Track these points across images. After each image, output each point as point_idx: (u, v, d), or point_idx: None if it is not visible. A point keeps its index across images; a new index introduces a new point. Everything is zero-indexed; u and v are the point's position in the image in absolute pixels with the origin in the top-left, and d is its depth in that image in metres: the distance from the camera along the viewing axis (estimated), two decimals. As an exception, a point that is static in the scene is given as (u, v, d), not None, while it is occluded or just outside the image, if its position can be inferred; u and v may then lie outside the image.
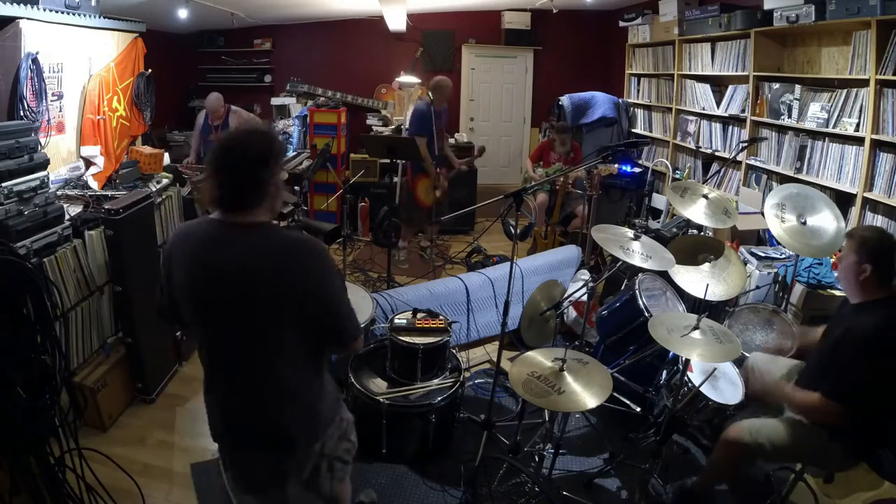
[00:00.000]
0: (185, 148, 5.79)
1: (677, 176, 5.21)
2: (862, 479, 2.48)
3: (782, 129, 4.03)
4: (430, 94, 4.59)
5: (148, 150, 4.25)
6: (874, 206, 3.31)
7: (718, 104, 4.76)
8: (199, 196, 4.18)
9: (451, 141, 6.35)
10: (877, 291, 2.02)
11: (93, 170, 3.90)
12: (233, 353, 1.47)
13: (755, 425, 2.13)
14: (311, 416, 1.54)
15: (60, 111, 3.65)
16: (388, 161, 5.35)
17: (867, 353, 1.90)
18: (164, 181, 3.85)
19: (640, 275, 2.96)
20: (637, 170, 5.50)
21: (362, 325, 2.70)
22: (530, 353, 2.25)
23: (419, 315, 2.81)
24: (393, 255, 5.00)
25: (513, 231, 3.45)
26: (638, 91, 6.20)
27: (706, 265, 2.88)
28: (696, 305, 2.75)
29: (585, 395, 2.02)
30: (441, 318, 2.81)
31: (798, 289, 3.20)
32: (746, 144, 4.14)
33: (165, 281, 1.55)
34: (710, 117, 4.90)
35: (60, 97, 3.64)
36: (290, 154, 6.32)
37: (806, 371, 2.25)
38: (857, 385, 1.91)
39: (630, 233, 2.70)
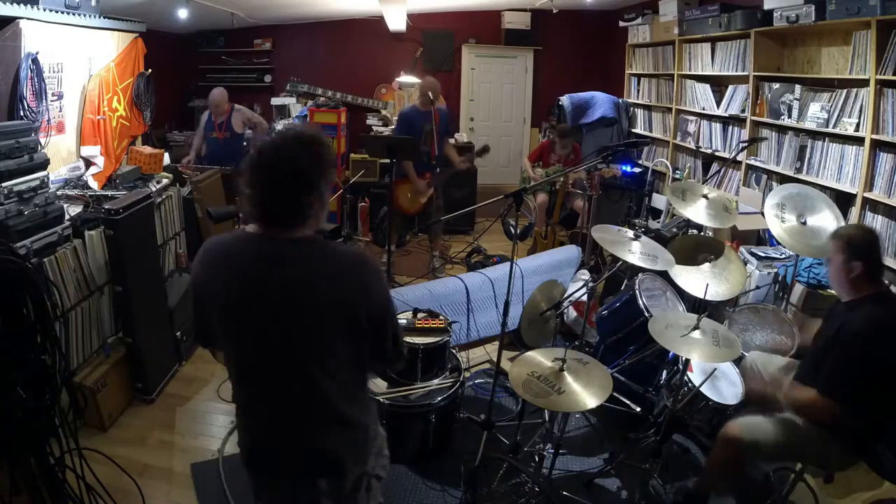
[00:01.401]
0: (185, 148, 5.77)
1: (677, 176, 5.22)
2: (862, 479, 2.48)
3: (782, 129, 4.03)
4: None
5: (148, 150, 4.26)
6: (874, 206, 3.31)
7: (718, 104, 4.76)
8: (200, 196, 4.18)
9: (451, 141, 6.35)
10: (866, 288, 2.04)
11: (93, 170, 3.91)
12: (279, 375, 1.35)
13: (752, 423, 2.14)
14: (361, 436, 1.45)
15: (60, 111, 3.66)
16: (388, 161, 5.35)
17: (859, 348, 1.92)
18: (164, 181, 3.85)
19: (640, 275, 2.97)
20: (637, 170, 5.50)
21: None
22: (530, 353, 2.25)
23: (419, 315, 2.81)
24: (429, 263, 4.91)
25: (513, 231, 3.45)
26: (638, 91, 6.20)
27: (706, 265, 2.88)
28: (696, 305, 2.75)
29: (585, 395, 2.02)
30: (441, 318, 2.81)
31: (798, 289, 3.20)
32: (746, 144, 4.14)
33: (197, 304, 1.41)
34: (710, 117, 4.90)
35: (60, 97, 3.64)
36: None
37: (801, 371, 2.26)
38: (851, 381, 1.91)
39: (630, 233, 2.70)
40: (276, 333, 1.31)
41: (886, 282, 2.16)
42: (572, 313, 3.60)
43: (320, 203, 1.33)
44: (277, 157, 1.28)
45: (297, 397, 1.36)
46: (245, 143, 5.17)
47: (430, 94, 4.27)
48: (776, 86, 4.03)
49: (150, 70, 4.75)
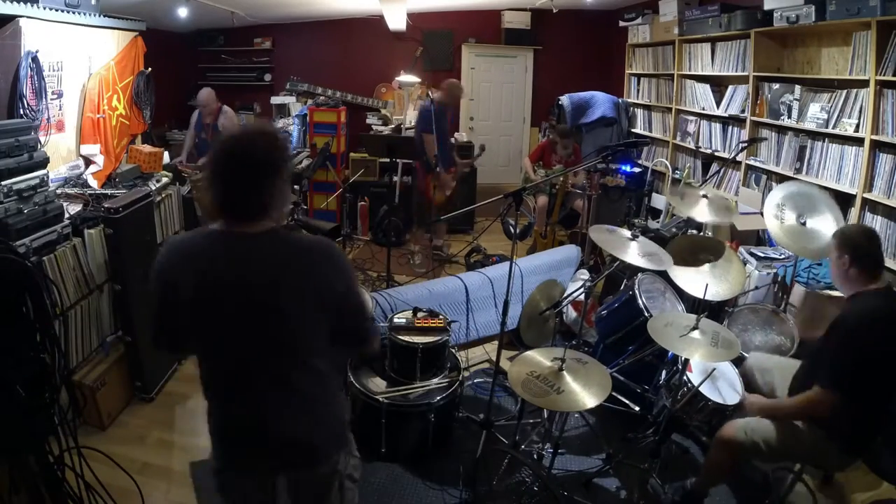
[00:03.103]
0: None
1: (677, 176, 5.22)
2: (860, 480, 2.49)
3: (782, 130, 4.03)
4: (429, 93, 4.73)
5: (147, 148, 4.26)
6: (874, 206, 3.31)
7: (718, 104, 4.76)
8: (199, 195, 4.18)
9: (451, 140, 6.35)
10: (863, 282, 2.05)
11: (92, 168, 3.90)
12: (250, 369, 1.36)
13: (750, 424, 2.14)
14: (334, 426, 1.47)
15: (60, 110, 3.65)
16: (387, 160, 5.35)
17: (855, 338, 1.93)
18: (164, 180, 3.85)
19: (639, 275, 2.97)
20: (637, 170, 5.50)
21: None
22: (529, 353, 2.25)
23: (419, 314, 2.81)
24: (407, 259, 5.02)
25: (512, 230, 3.45)
26: (638, 91, 6.20)
27: (706, 265, 2.89)
28: (696, 305, 2.75)
29: (584, 394, 2.02)
30: (440, 317, 2.81)
31: (797, 289, 3.20)
32: (746, 145, 4.14)
33: (162, 306, 1.39)
34: (710, 117, 4.90)
35: (60, 96, 3.64)
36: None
37: (802, 368, 2.26)
38: (849, 371, 1.92)
39: (627, 233, 2.70)
40: (246, 328, 1.32)
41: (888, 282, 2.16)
42: (572, 313, 3.60)
43: (281, 195, 1.36)
44: (238, 150, 1.31)
45: (270, 390, 1.37)
46: None
47: (459, 96, 4.51)
48: (776, 86, 4.03)
49: (149, 69, 4.74)
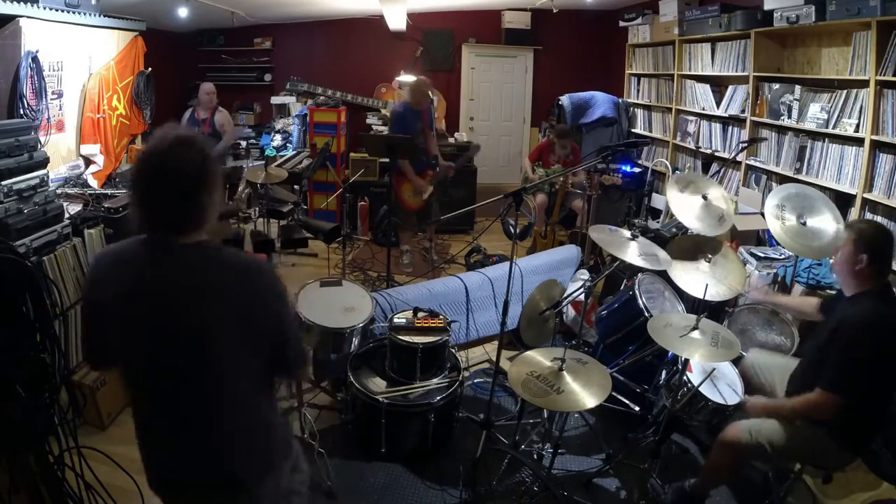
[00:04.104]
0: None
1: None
2: (860, 480, 2.48)
3: (782, 130, 4.03)
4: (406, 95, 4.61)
5: (148, 148, 4.25)
6: (874, 206, 3.31)
7: (718, 104, 4.76)
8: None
9: (451, 140, 6.36)
10: (870, 283, 2.04)
11: (92, 168, 3.91)
12: (175, 388, 1.28)
13: (754, 426, 2.14)
14: (261, 450, 1.38)
15: (60, 109, 3.66)
16: (387, 160, 5.35)
17: (861, 341, 1.92)
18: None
19: (639, 275, 2.97)
20: (637, 170, 5.50)
21: (361, 325, 2.71)
22: (529, 353, 2.25)
23: (419, 314, 2.81)
24: (397, 258, 5.01)
25: (512, 231, 3.45)
26: (638, 91, 6.20)
27: (705, 265, 2.88)
28: (696, 305, 2.75)
29: (584, 394, 2.02)
30: (440, 317, 2.81)
31: (797, 289, 3.20)
32: (746, 145, 4.14)
33: (91, 318, 1.34)
34: (710, 117, 4.90)
35: (60, 95, 3.64)
36: (290, 153, 6.32)
37: (801, 367, 2.26)
38: (854, 374, 1.92)
39: (626, 233, 2.70)
40: (168, 343, 1.26)
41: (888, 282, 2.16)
42: (572, 313, 3.60)
43: (212, 207, 1.29)
44: (159, 163, 1.23)
45: (193, 411, 1.30)
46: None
47: (428, 93, 4.31)
48: (776, 86, 4.03)
49: (150, 69, 4.75)
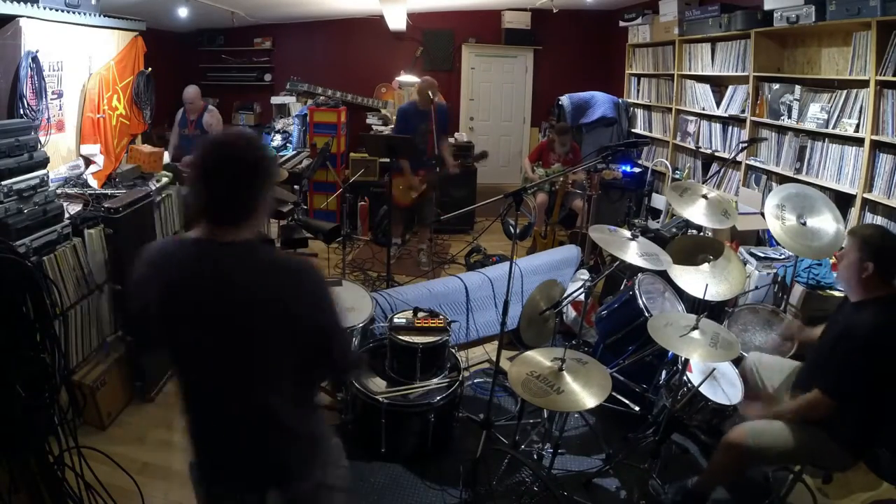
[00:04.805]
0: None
1: (677, 176, 5.22)
2: (860, 480, 2.48)
3: (782, 130, 4.03)
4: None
5: (147, 148, 4.24)
6: (874, 206, 3.31)
7: (718, 104, 4.76)
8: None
9: (451, 140, 6.35)
10: (877, 289, 2.03)
11: (92, 168, 3.90)
12: (219, 385, 1.32)
13: (757, 428, 2.13)
14: (307, 446, 1.42)
15: (60, 109, 3.65)
16: (387, 160, 5.34)
17: (866, 351, 1.91)
18: (164, 180, 3.84)
19: (639, 275, 2.97)
20: (637, 170, 5.50)
21: (361, 325, 2.70)
22: (529, 353, 2.25)
23: (419, 314, 2.81)
24: (413, 257, 5.00)
25: (512, 230, 3.45)
26: (638, 91, 6.20)
27: (706, 265, 2.89)
28: (696, 306, 2.75)
29: (584, 394, 2.02)
30: (441, 317, 2.81)
31: (797, 289, 3.20)
32: (746, 145, 4.14)
33: (140, 310, 1.36)
34: (710, 117, 4.90)
35: (60, 95, 3.64)
36: (290, 153, 6.32)
37: (803, 370, 2.26)
38: (856, 383, 1.92)
39: (626, 233, 2.70)
40: (214, 341, 1.28)
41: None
42: (572, 313, 3.60)
43: (266, 203, 1.33)
44: (230, 151, 1.28)
45: (239, 408, 1.33)
46: None
47: (429, 93, 4.30)
48: (776, 86, 4.03)
49: (150, 69, 4.74)
